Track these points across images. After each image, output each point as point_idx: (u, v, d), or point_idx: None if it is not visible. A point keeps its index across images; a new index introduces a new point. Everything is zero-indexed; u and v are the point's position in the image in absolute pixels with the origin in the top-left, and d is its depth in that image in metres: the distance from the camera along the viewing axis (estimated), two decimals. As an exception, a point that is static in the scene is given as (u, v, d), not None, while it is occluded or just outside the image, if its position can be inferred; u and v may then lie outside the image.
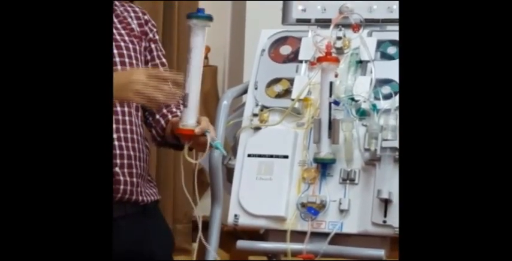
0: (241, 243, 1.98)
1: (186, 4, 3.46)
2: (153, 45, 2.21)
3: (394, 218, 1.88)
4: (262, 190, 1.98)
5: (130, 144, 2.09)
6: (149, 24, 2.22)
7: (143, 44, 2.19)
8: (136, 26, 2.19)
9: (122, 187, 2.06)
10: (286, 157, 2.00)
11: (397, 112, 1.92)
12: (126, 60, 2.12)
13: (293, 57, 2.11)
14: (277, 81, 2.08)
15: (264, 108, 2.06)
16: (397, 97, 1.95)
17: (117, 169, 2.06)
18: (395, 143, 1.87)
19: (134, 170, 2.09)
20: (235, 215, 2.00)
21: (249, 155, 2.02)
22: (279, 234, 1.96)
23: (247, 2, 3.57)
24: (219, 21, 3.72)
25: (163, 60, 2.22)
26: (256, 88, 2.09)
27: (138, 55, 2.16)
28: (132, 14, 2.20)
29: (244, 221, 1.99)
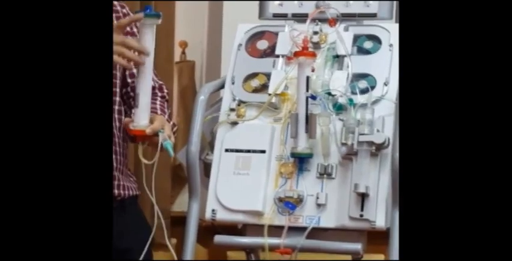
0: (219, 238, 1.98)
1: (164, 3, 3.45)
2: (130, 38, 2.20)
3: (371, 212, 1.88)
4: (240, 184, 1.98)
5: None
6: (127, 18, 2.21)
7: None
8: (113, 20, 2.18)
9: None
10: (263, 151, 2.00)
11: (374, 107, 1.93)
12: None
13: (270, 52, 2.11)
14: (254, 75, 2.08)
15: (241, 102, 2.06)
16: (374, 91, 1.96)
17: None
18: (372, 138, 1.88)
19: None
20: (213, 210, 2.00)
21: (227, 150, 2.02)
22: (256, 229, 1.96)
23: (225, -5, 3.57)
24: (196, 16, 3.72)
25: None
26: (233, 83, 2.09)
27: None
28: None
29: (222, 216, 1.99)
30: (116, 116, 2.15)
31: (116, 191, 2.12)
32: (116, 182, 2.11)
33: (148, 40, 1.94)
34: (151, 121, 1.96)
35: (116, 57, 1.91)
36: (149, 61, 1.94)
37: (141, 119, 1.95)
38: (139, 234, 2.11)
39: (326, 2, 2.08)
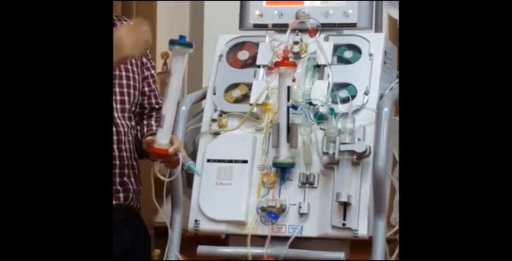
0: (202, 249, 1.99)
1: (145, 14, 3.44)
2: (144, 60, 2.32)
3: (353, 221, 1.89)
4: (222, 194, 1.98)
5: (130, 154, 2.21)
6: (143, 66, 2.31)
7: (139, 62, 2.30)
8: None
9: (130, 195, 2.20)
10: (245, 161, 2.00)
11: (355, 116, 1.94)
12: (124, 81, 2.25)
13: (251, 62, 2.12)
14: (235, 86, 2.09)
15: (222, 113, 2.07)
16: (354, 100, 1.97)
17: (125, 179, 2.18)
18: (353, 147, 1.89)
19: (133, 179, 2.20)
20: (196, 221, 2.00)
21: (209, 161, 2.03)
22: (239, 239, 1.97)
23: (205, 7, 3.57)
24: (177, 27, 3.72)
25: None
26: (214, 94, 2.09)
27: (136, 76, 2.27)
28: None
29: (205, 226, 1.99)
30: (128, 123, 2.24)
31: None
32: (138, 196, 2.21)
33: (180, 67, 1.98)
34: (172, 141, 1.99)
35: None
36: (177, 86, 1.99)
37: (164, 139, 1.99)
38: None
39: (306, 12, 2.10)
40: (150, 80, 2.33)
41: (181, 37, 1.99)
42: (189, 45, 1.98)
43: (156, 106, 2.33)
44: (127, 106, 2.24)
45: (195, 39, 3.61)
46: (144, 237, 2.30)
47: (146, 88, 2.32)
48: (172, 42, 1.98)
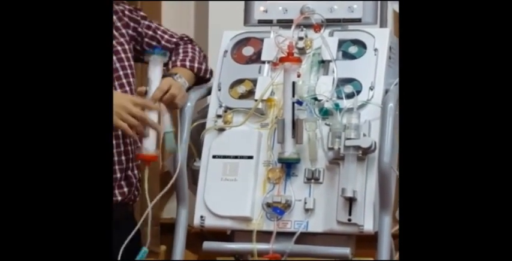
0: (208, 245, 1.99)
1: (149, 4, 3.45)
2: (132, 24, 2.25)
3: (359, 216, 1.89)
4: (228, 190, 1.98)
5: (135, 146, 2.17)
6: (132, 22, 2.24)
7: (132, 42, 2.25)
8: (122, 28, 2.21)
9: (133, 188, 2.16)
10: (250, 157, 2.00)
11: (360, 111, 1.94)
12: (122, 55, 2.18)
13: (256, 58, 2.11)
14: (240, 82, 2.09)
15: (227, 109, 2.07)
16: (359, 96, 1.96)
17: (129, 173, 2.17)
18: (359, 142, 1.89)
19: (136, 171, 2.18)
20: (201, 217, 2.00)
21: (214, 157, 2.03)
22: (245, 235, 1.97)
23: (210, 3, 3.57)
24: (182, 24, 3.72)
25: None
26: (219, 90, 2.09)
27: (128, 46, 2.21)
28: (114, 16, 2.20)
29: (210, 222, 1.99)
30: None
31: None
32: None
33: (158, 74, 2.07)
34: (164, 87, 2.04)
35: (119, 122, 1.99)
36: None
37: (151, 146, 2.04)
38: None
39: (311, 7, 2.09)
40: (151, 25, 2.28)
41: (156, 47, 2.15)
42: (165, 54, 2.11)
43: (174, 40, 2.29)
44: (131, 79, 2.19)
45: (200, 35, 3.62)
46: (138, 235, 2.24)
47: (150, 32, 2.27)
48: (149, 52, 2.09)
